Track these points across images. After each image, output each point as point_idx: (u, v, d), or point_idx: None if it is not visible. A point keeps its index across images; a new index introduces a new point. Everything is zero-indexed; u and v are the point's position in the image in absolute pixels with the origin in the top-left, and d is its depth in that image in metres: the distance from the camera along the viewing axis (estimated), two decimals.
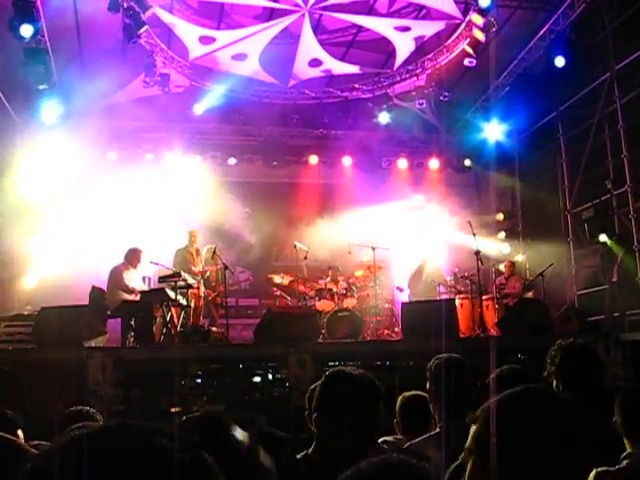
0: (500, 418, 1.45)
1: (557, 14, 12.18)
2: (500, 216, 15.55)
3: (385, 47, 13.70)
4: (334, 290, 12.17)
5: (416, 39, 13.21)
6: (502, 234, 15.39)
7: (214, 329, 10.88)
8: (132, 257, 10.88)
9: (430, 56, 13.76)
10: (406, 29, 12.93)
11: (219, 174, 14.64)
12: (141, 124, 14.13)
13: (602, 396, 3.06)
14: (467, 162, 15.85)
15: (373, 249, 12.34)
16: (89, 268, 12.23)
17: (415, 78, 14.15)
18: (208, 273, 11.92)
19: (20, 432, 3.26)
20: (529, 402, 1.54)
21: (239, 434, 1.73)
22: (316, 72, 14.05)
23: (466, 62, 12.81)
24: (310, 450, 2.69)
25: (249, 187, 14.87)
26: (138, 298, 10.35)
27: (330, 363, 9.47)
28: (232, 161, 15.15)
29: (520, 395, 1.56)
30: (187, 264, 11.55)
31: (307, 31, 12.79)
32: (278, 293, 12.64)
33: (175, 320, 10.61)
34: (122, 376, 8.53)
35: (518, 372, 3.27)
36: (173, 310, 10.59)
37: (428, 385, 3.42)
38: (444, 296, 12.39)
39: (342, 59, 13.85)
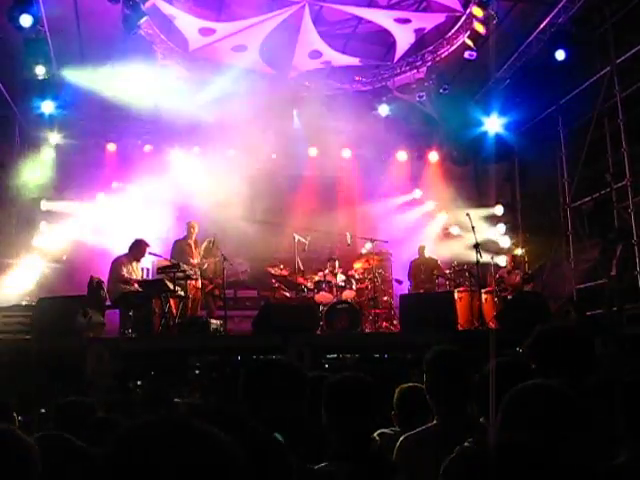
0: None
1: (558, 7, 12.13)
2: (499, 209, 15.53)
3: (385, 39, 13.67)
4: (333, 282, 12.17)
5: (416, 31, 13.18)
6: (501, 227, 15.38)
7: (212, 320, 10.87)
8: (137, 250, 10.68)
9: (430, 48, 13.73)
10: (406, 21, 12.90)
11: (218, 165, 14.60)
12: (141, 115, 14.09)
13: (593, 385, 3.04)
14: (466, 155, 15.81)
15: (372, 241, 12.35)
16: (88, 259, 12.24)
17: (415, 70, 14.12)
18: (206, 265, 11.88)
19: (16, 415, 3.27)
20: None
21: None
22: (316, 64, 14.03)
23: (466, 55, 12.79)
24: None
25: (248, 179, 14.83)
26: (135, 288, 10.31)
27: (328, 355, 9.49)
28: (231, 152, 15.10)
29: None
30: (185, 256, 11.50)
31: (307, 23, 12.75)
32: (277, 285, 12.62)
33: (173, 311, 10.62)
34: (120, 367, 8.53)
35: (515, 364, 3.26)
36: (171, 301, 10.60)
37: (425, 377, 3.41)
38: (443, 288, 12.41)
39: (342, 51, 13.81)
